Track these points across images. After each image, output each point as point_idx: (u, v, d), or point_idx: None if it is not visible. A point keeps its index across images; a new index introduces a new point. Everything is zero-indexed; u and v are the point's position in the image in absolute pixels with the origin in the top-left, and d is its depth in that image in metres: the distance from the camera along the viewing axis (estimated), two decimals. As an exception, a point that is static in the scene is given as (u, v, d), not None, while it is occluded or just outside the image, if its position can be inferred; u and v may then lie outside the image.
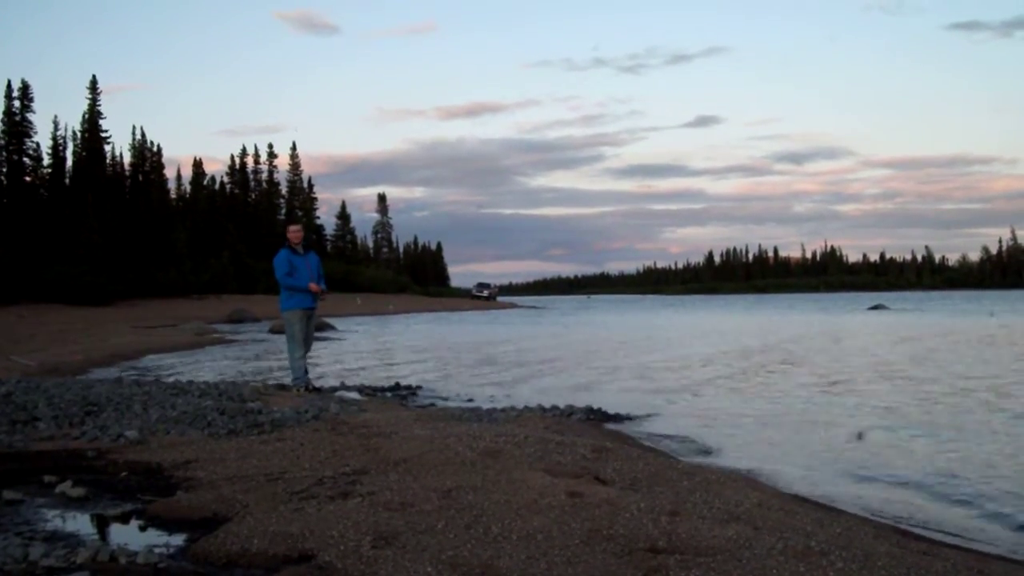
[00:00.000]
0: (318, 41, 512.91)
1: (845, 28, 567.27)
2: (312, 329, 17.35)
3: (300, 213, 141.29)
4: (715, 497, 7.37)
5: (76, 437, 10.47)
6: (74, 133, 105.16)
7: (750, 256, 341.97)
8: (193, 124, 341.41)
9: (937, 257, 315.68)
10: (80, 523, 6.95)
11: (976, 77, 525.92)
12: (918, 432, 13.44)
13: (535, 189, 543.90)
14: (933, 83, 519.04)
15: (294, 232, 16.92)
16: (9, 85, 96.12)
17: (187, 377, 20.49)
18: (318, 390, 16.90)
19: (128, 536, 6.58)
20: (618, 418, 14.56)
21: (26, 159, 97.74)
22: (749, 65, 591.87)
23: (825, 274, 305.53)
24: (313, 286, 16.66)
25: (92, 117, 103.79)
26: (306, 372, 17.04)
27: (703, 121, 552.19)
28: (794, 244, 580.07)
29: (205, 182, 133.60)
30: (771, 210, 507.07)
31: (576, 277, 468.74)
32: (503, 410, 14.20)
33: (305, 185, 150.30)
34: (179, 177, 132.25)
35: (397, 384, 19.68)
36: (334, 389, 18.05)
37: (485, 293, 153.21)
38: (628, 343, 39.05)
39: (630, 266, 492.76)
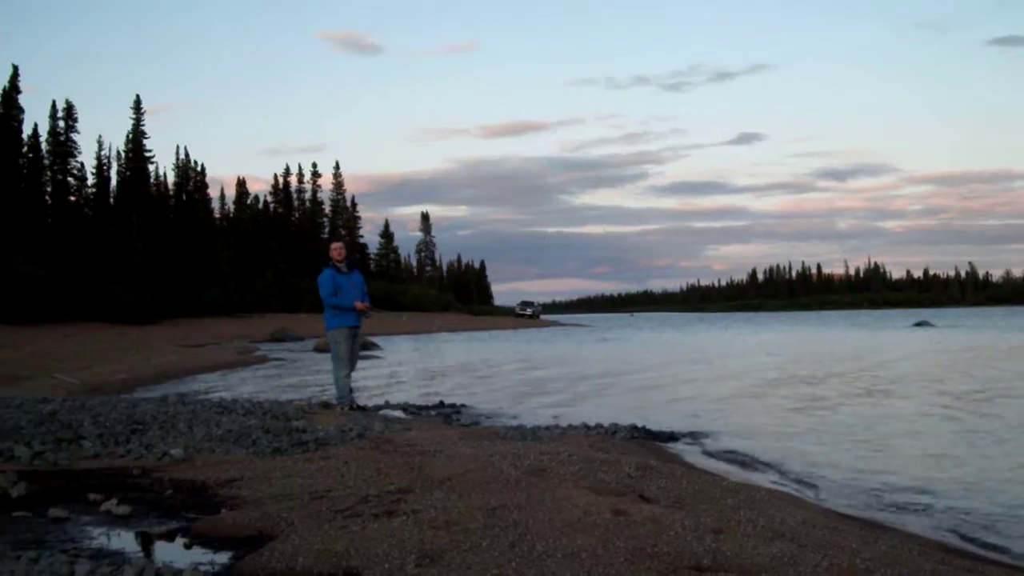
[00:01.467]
0: (362, 61, 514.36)
1: (887, 44, 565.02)
2: (357, 348, 17.32)
3: (343, 232, 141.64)
4: (759, 515, 7.33)
5: (121, 455, 10.50)
6: (118, 153, 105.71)
7: (793, 273, 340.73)
8: (237, 144, 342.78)
9: (981, 273, 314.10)
10: (125, 541, 6.96)
11: (1019, 92, 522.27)
12: (966, 448, 13.34)
13: (578, 207, 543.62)
14: (975, 99, 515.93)
15: (336, 249, 16.92)
16: (54, 105, 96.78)
17: (231, 396, 20.52)
18: (362, 408, 16.89)
19: (173, 554, 6.60)
20: (662, 436, 14.50)
21: (70, 179, 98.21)
22: (791, 82, 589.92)
23: (868, 291, 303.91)
24: (359, 304, 16.66)
25: (136, 137, 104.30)
26: (351, 391, 17.01)
27: (745, 138, 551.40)
28: (837, 261, 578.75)
29: (249, 201, 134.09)
30: (814, 227, 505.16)
31: (619, 295, 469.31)
32: (547, 428, 14.16)
33: (348, 204, 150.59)
34: (223, 196, 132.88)
35: (441, 402, 19.66)
36: (378, 408, 18.06)
37: (529, 311, 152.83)
38: (672, 360, 38.92)
39: (673, 284, 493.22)
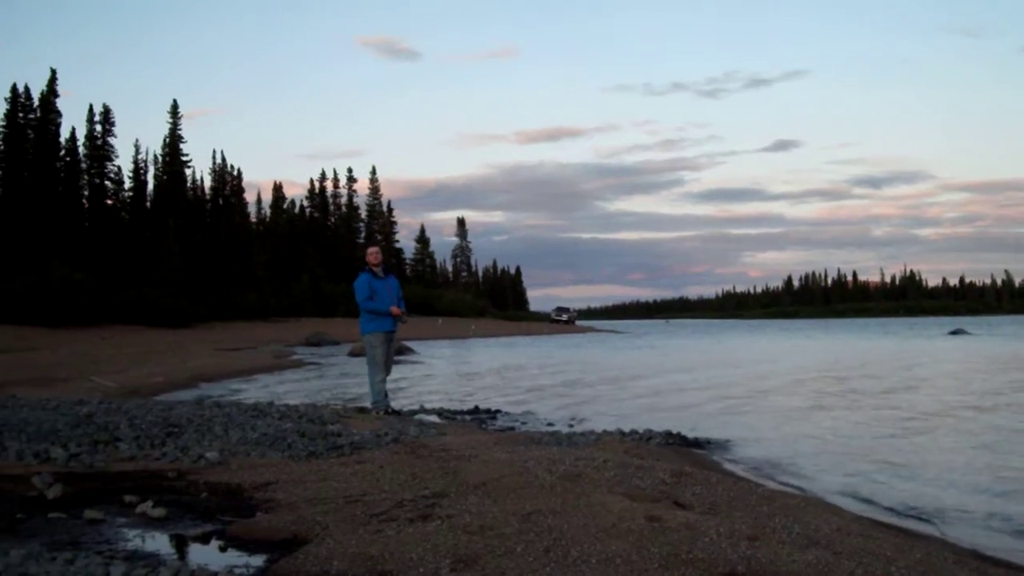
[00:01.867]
0: (399, 66, 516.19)
1: (924, 51, 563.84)
2: (392, 352, 17.35)
3: (379, 236, 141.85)
4: (794, 522, 7.30)
5: (157, 458, 10.52)
6: (155, 157, 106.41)
7: (829, 280, 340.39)
8: (273, 148, 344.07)
9: (1017, 281, 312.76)
10: (160, 543, 6.97)
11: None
12: (1003, 456, 13.27)
13: (613, 213, 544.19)
14: (1012, 105, 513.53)
15: (373, 254, 16.93)
16: (91, 109, 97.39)
17: (267, 399, 20.57)
18: (397, 413, 16.91)
19: (208, 556, 6.61)
20: (698, 443, 14.46)
21: (108, 182, 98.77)
22: (827, 89, 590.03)
23: (904, 298, 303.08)
24: (395, 309, 16.68)
25: (173, 141, 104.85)
26: (386, 395, 17.02)
27: (781, 145, 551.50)
28: (873, 268, 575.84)
29: (285, 206, 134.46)
30: (850, 234, 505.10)
31: (655, 301, 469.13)
32: (583, 434, 14.14)
33: (384, 209, 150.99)
34: (259, 201, 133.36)
35: (476, 407, 19.66)
36: (413, 412, 18.09)
37: (564, 317, 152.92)
38: (707, 366, 38.82)
39: (709, 290, 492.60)
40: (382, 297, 16.65)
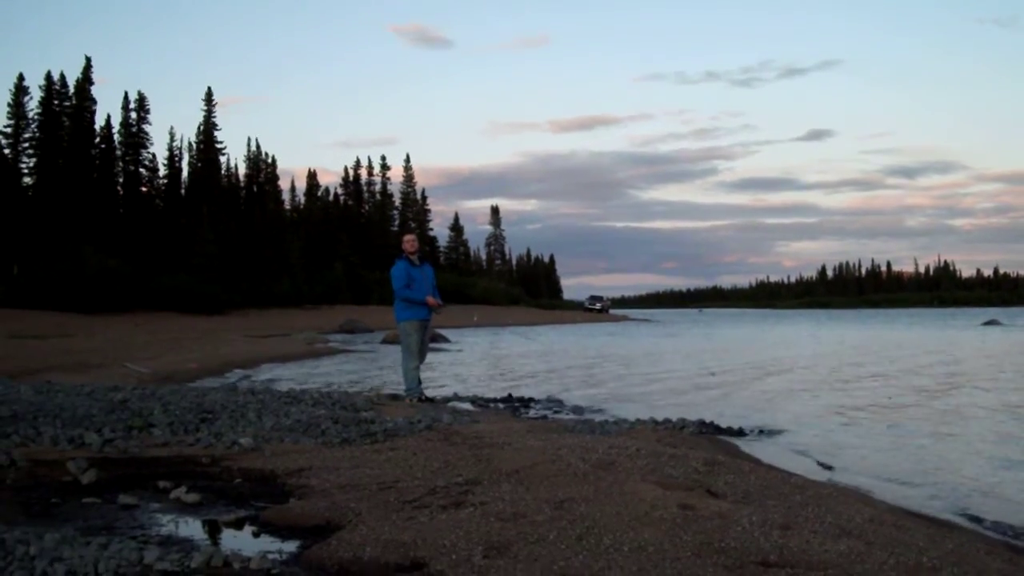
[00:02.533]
0: (432, 54, 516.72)
1: (958, 41, 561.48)
2: (427, 340, 17.36)
3: (413, 224, 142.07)
4: (827, 512, 7.27)
5: (191, 444, 10.57)
6: (190, 144, 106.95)
7: (863, 270, 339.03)
8: (307, 136, 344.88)
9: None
10: (194, 528, 7.00)
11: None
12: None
13: (647, 202, 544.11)
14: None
15: (409, 242, 16.94)
16: (126, 96, 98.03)
17: (300, 386, 20.61)
18: (431, 400, 16.92)
19: (241, 542, 6.63)
20: (730, 431, 14.42)
21: (142, 169, 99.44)
22: (862, 79, 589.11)
23: (938, 289, 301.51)
24: (431, 300, 16.69)
25: (207, 128, 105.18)
26: (419, 383, 17.04)
27: (816, 135, 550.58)
28: (907, 259, 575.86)
29: (319, 193, 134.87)
30: (883, 224, 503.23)
31: (688, 290, 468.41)
32: (615, 422, 14.10)
33: (418, 197, 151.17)
34: (293, 188, 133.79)
35: (510, 395, 19.63)
36: (447, 400, 18.11)
37: (598, 306, 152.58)
38: (744, 356, 38.73)
39: (743, 280, 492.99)
40: (419, 285, 16.66)
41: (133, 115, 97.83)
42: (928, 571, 5.77)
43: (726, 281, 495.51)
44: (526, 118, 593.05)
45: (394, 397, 16.99)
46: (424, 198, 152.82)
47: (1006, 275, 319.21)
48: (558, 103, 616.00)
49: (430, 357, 17.91)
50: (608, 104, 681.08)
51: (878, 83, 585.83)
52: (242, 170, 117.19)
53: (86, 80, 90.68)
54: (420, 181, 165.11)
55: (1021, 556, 7.00)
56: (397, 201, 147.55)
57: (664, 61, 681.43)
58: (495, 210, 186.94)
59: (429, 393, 17.88)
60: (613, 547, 6.15)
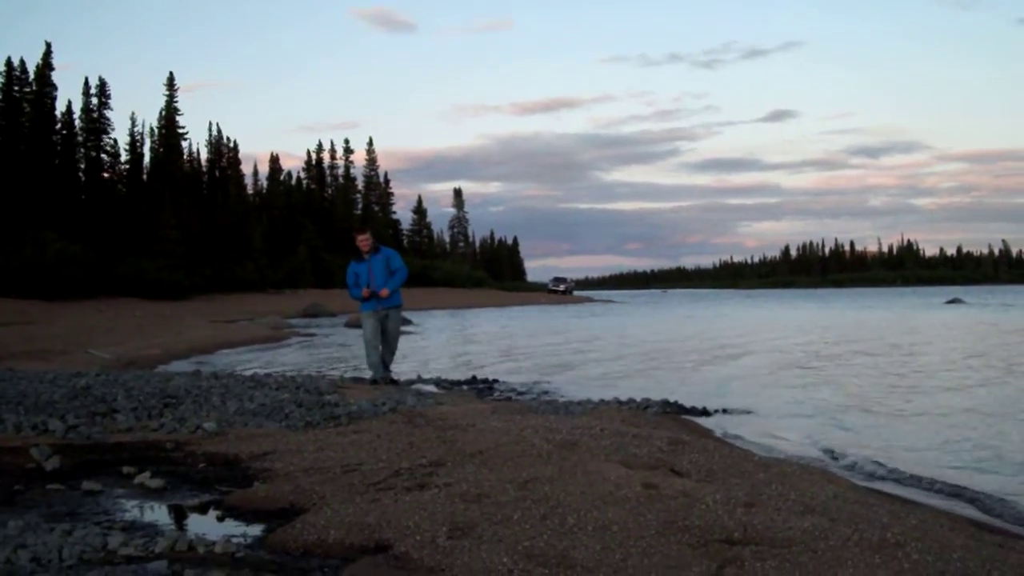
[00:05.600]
0: (395, 38, 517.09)
1: (920, 21, 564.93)
2: (394, 328, 17.21)
3: (376, 208, 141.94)
4: (791, 489, 7.31)
5: (154, 429, 10.54)
6: (151, 129, 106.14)
7: (826, 250, 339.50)
8: (270, 121, 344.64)
9: (1014, 251, 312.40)
10: (158, 513, 6.99)
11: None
12: (995, 425, 13.31)
13: (610, 184, 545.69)
14: (1007, 76, 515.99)
15: (361, 241, 16.91)
16: (87, 82, 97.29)
17: (264, 370, 20.60)
18: (395, 383, 16.92)
19: (206, 526, 6.62)
20: (694, 411, 14.50)
21: (104, 155, 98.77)
22: (824, 59, 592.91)
23: (902, 268, 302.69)
24: (365, 291, 16.68)
25: (169, 114, 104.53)
26: (385, 367, 17.07)
27: (778, 116, 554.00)
28: (870, 238, 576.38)
29: (282, 178, 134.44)
30: (846, 204, 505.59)
31: (652, 271, 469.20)
32: (579, 403, 14.14)
33: (381, 180, 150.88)
34: (256, 173, 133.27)
35: (474, 377, 19.69)
36: (411, 382, 18.11)
37: (561, 287, 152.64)
38: (704, 336, 38.86)
39: (706, 260, 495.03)
40: (361, 281, 16.71)
41: (94, 101, 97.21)
42: (892, 547, 5.80)
43: (689, 262, 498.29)
44: (489, 101, 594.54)
45: (357, 380, 16.96)
46: (387, 181, 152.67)
47: (969, 254, 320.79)
48: (521, 86, 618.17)
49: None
50: (571, 86, 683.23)
51: (840, 64, 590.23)
52: (204, 155, 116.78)
53: (46, 66, 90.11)
54: (383, 164, 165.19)
55: (984, 531, 7.06)
56: (360, 185, 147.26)
57: (627, 43, 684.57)
58: (458, 193, 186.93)
59: (393, 375, 17.86)
60: (577, 526, 6.17)
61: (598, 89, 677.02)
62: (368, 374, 17.54)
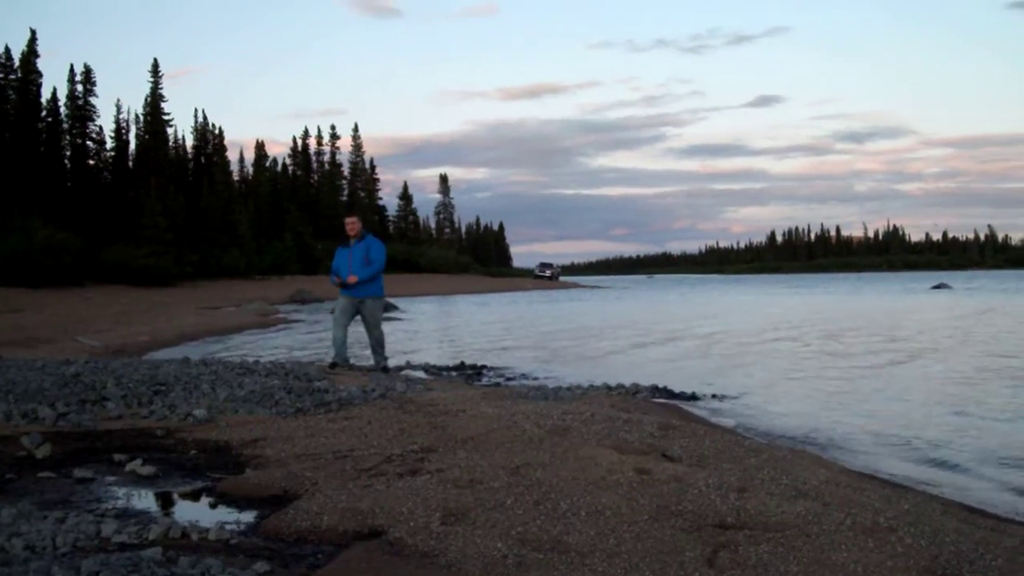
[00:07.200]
0: (381, 24, 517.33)
1: (906, 7, 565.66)
2: (370, 316, 17.11)
3: (363, 194, 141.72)
4: (783, 474, 7.33)
5: (145, 416, 10.53)
6: (137, 116, 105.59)
7: (812, 235, 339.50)
8: (256, 107, 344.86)
9: (1000, 236, 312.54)
10: (150, 501, 7.00)
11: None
12: (986, 412, 13.35)
13: (596, 169, 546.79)
14: (993, 62, 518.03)
15: (349, 224, 16.85)
16: (72, 69, 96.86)
17: (253, 357, 20.58)
18: (386, 370, 16.86)
19: (199, 513, 6.63)
20: (684, 396, 14.54)
21: (89, 142, 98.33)
22: (811, 45, 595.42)
23: (887, 253, 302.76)
24: (336, 280, 16.64)
25: (154, 100, 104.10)
26: (376, 356, 17.00)
27: (764, 101, 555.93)
28: (856, 223, 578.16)
29: (268, 164, 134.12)
30: (833, 189, 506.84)
31: (638, 257, 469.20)
32: (569, 388, 14.18)
33: (367, 166, 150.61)
34: (241, 159, 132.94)
35: (463, 363, 19.72)
36: (400, 368, 18.13)
37: (548, 273, 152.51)
38: (692, 321, 38.91)
39: (692, 246, 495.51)
40: (341, 267, 16.66)
41: (80, 88, 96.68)
42: (885, 531, 5.82)
43: (675, 247, 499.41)
44: (475, 87, 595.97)
45: (332, 365, 16.83)
46: (373, 168, 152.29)
47: (955, 239, 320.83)
48: (507, 71, 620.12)
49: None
50: (557, 72, 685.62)
51: (826, 49, 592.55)
52: (190, 142, 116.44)
53: (31, 53, 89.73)
54: (369, 151, 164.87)
55: (976, 516, 7.08)
56: (346, 171, 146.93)
57: (614, 29, 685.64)
58: (444, 179, 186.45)
59: (383, 363, 17.79)
60: (570, 511, 6.19)
61: (584, 75, 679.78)
62: (362, 361, 17.52)
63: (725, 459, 7.95)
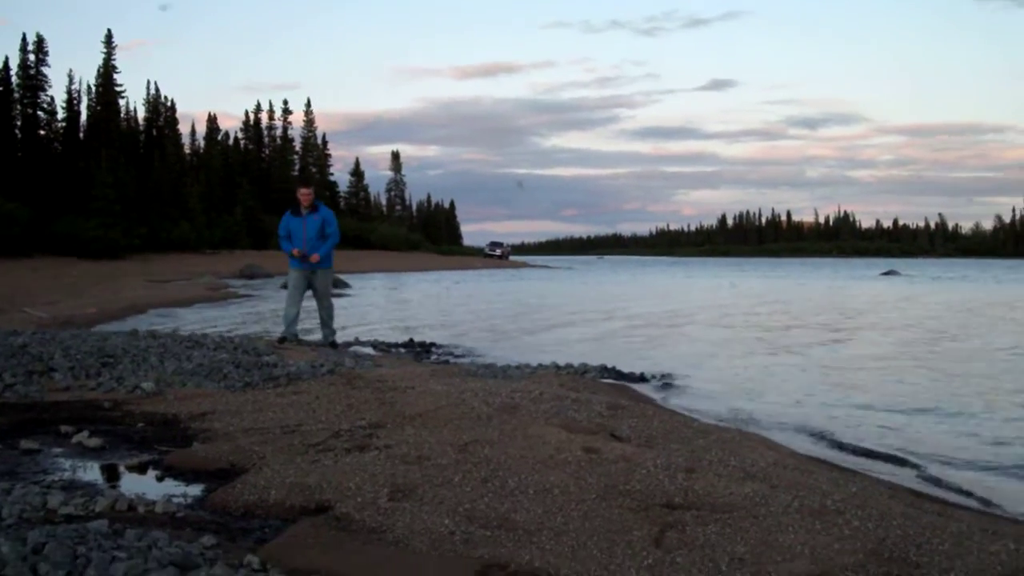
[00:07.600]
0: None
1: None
2: (321, 285, 17.10)
3: (314, 169, 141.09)
4: (731, 455, 7.37)
5: (92, 388, 10.49)
6: (89, 87, 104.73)
7: (763, 220, 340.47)
8: (208, 80, 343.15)
9: (950, 225, 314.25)
10: (97, 473, 6.97)
11: (990, 46, 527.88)
12: (934, 400, 13.45)
13: (549, 149, 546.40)
14: (947, 51, 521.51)
15: (304, 195, 16.75)
16: (24, 38, 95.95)
17: (202, 330, 20.49)
18: (334, 345, 16.84)
19: (146, 486, 6.61)
20: (632, 377, 14.56)
21: (40, 113, 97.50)
22: (765, 30, 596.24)
23: (838, 239, 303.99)
24: (295, 252, 16.55)
25: (107, 71, 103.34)
26: (325, 326, 17.00)
27: (718, 85, 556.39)
28: (807, 209, 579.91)
29: (219, 138, 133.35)
30: (784, 175, 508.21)
31: (589, 237, 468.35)
32: (518, 367, 14.17)
33: (319, 142, 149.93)
34: (193, 133, 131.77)
35: (411, 340, 19.69)
36: (348, 344, 18.09)
37: (498, 252, 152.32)
38: (640, 302, 39.01)
39: (643, 227, 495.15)
40: (295, 237, 16.58)
41: (32, 57, 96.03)
42: (832, 514, 5.87)
43: (626, 229, 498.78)
44: (429, 64, 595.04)
45: (281, 340, 16.80)
46: (325, 143, 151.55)
47: (905, 226, 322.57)
48: (461, 49, 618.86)
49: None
50: (511, 51, 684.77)
51: (781, 35, 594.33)
52: (141, 114, 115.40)
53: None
54: (322, 126, 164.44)
55: (923, 500, 7.15)
56: (298, 146, 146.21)
57: (569, 9, 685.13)
58: (396, 155, 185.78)
59: (331, 338, 17.74)
60: (518, 489, 6.21)
61: (539, 55, 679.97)
62: (317, 337, 17.49)
63: (673, 440, 7.99)
